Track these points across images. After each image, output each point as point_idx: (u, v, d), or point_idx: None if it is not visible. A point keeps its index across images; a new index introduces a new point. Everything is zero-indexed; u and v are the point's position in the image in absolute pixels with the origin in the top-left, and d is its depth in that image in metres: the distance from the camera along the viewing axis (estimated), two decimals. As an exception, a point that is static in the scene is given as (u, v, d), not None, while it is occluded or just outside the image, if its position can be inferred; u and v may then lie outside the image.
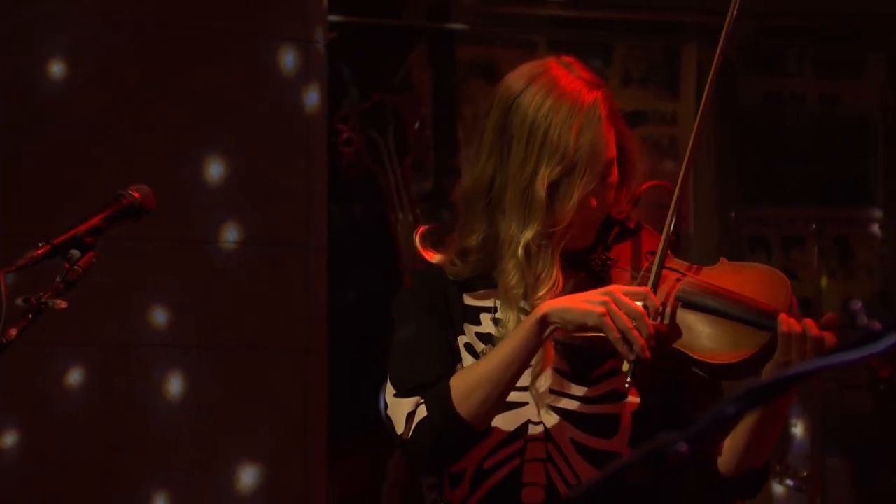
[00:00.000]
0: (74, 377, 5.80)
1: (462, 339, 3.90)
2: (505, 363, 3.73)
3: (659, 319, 3.67)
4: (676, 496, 3.93)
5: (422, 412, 3.81)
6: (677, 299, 3.69)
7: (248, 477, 5.84)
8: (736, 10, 3.95)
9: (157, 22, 5.89)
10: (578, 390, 3.82)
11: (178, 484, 5.84)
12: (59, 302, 4.34)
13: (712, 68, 3.93)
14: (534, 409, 3.82)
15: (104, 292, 5.65)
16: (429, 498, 6.70)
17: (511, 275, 3.82)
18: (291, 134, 5.99)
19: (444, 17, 7.00)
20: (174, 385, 5.87)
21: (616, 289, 3.66)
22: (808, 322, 3.55)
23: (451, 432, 3.77)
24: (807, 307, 7.40)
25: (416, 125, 6.80)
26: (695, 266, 3.77)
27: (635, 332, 3.56)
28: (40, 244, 4.32)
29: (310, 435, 5.87)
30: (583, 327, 3.63)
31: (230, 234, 5.91)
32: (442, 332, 3.90)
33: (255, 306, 5.90)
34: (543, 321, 3.67)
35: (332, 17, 6.19)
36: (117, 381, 5.83)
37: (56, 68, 5.81)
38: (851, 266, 7.79)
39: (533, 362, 3.75)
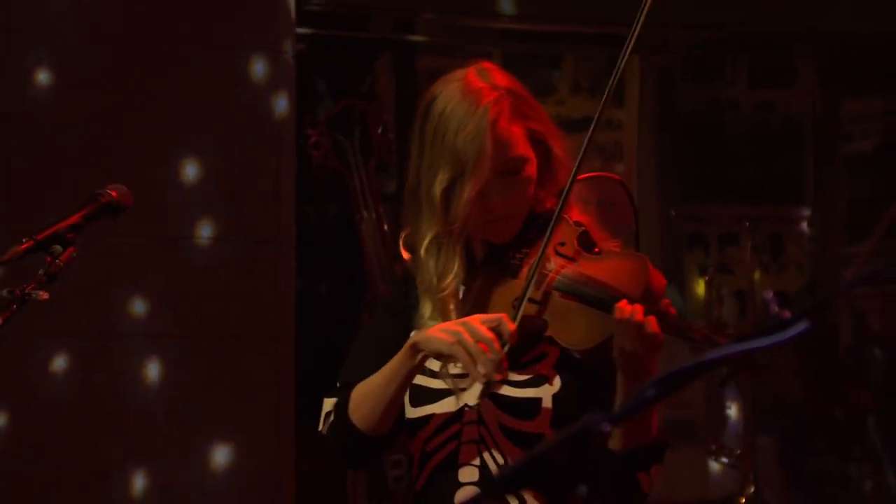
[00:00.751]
0: (59, 364, 5.81)
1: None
2: (386, 382, 3.80)
3: (537, 311, 3.69)
4: (586, 472, 3.93)
5: (331, 416, 3.89)
6: (555, 288, 3.71)
7: (221, 456, 5.85)
8: (637, 30, 3.96)
9: (136, 34, 5.91)
10: (514, 376, 3.81)
11: (155, 463, 5.85)
12: (41, 293, 4.35)
13: (614, 74, 3.92)
14: (470, 396, 3.80)
15: (86, 286, 5.65)
16: (391, 475, 6.71)
17: (422, 268, 3.85)
18: (262, 138, 6.00)
19: (408, 30, 7.00)
20: (152, 371, 5.88)
21: (474, 318, 3.68)
22: (637, 307, 3.55)
23: (348, 438, 3.85)
24: (741, 299, 7.44)
25: (380, 130, 6.81)
26: (585, 254, 3.76)
27: (483, 358, 3.59)
28: (24, 240, 4.33)
29: (280, 417, 5.88)
30: (441, 354, 3.67)
31: (204, 231, 5.93)
32: (392, 335, 3.94)
33: (227, 298, 5.91)
34: (414, 348, 3.73)
35: (302, 30, 6.19)
36: (99, 369, 5.85)
37: (42, 76, 5.82)
38: (783, 261, 7.81)
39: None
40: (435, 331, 3.71)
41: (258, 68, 5.99)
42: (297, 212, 6.06)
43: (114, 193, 4.47)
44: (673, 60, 7.83)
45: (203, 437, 5.77)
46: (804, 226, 7.94)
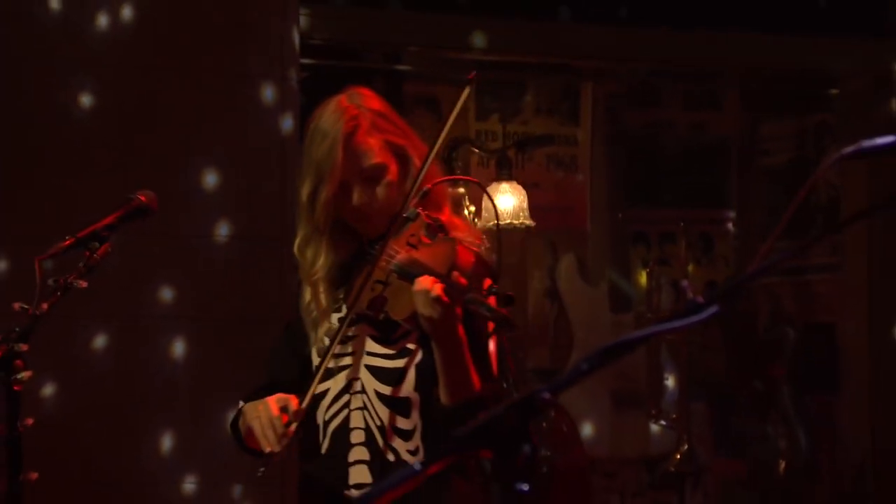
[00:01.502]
0: (99, 342, 5.78)
1: (316, 346, 3.98)
2: (243, 430, 3.91)
3: (381, 290, 3.73)
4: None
5: (234, 416, 4.01)
6: (393, 270, 3.73)
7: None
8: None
9: (165, 64, 5.88)
10: (384, 350, 3.86)
11: (179, 426, 5.83)
12: (81, 282, 4.34)
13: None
14: (356, 370, 3.87)
15: (122, 276, 5.63)
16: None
17: (299, 260, 3.91)
18: (270, 152, 5.97)
19: (395, 61, 6.96)
20: (177, 348, 5.85)
21: (272, 399, 3.78)
22: (430, 279, 3.61)
23: (239, 444, 3.97)
24: (677, 288, 7.42)
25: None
26: (425, 243, 3.79)
27: (269, 434, 3.71)
28: (67, 237, 4.33)
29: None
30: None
31: (221, 230, 5.90)
32: (293, 345, 4.02)
33: (240, 287, 5.89)
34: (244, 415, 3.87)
35: (305, 61, 6.16)
36: (132, 346, 5.82)
37: (84, 99, 5.78)
38: (712, 255, 7.80)
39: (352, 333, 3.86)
40: (250, 407, 3.83)
41: (268, 93, 5.96)
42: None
43: (143, 198, 4.47)
44: (620, 88, 7.81)
45: (219, 404, 5.72)
46: (730, 226, 7.93)
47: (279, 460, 3.80)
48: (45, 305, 4.24)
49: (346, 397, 3.87)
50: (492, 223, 7.03)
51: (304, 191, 3.88)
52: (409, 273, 3.72)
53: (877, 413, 6.99)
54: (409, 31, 6.65)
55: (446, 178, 4.01)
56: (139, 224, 4.52)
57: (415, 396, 3.83)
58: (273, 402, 3.74)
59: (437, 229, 3.83)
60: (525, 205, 7.12)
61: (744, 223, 7.90)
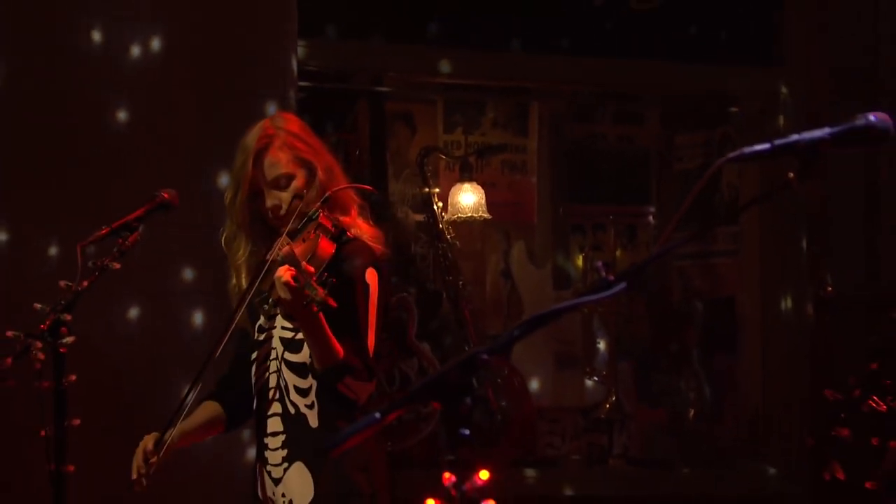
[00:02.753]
0: (132, 314, 5.74)
1: (257, 323, 4.02)
2: None
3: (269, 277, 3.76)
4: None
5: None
6: (279, 259, 3.72)
7: (245, 376, 5.82)
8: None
9: (187, 85, 5.84)
10: (291, 325, 3.91)
11: (201, 378, 5.80)
12: (114, 264, 4.32)
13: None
14: (274, 342, 3.94)
15: (152, 259, 5.60)
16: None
17: (226, 251, 3.95)
18: (274, 157, 5.94)
19: (378, 84, 6.94)
20: (197, 319, 5.81)
21: (147, 438, 4.12)
22: (286, 268, 3.63)
23: None
24: (607, 269, 7.39)
25: (357, 153, 6.75)
26: (313, 239, 3.84)
27: (134, 466, 4.05)
28: (104, 227, 4.31)
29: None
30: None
31: (234, 221, 5.88)
32: (241, 326, 4.05)
33: (250, 266, 5.87)
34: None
35: (302, 83, 6.13)
36: (159, 317, 5.78)
37: (121, 115, 5.75)
38: (636, 243, 7.78)
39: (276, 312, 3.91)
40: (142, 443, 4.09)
41: (271, 109, 5.91)
42: (298, 208, 6.01)
43: (166, 195, 4.45)
44: (562, 107, 7.79)
45: (230, 364, 5.72)
46: (650, 219, 7.91)
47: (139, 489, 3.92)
48: (85, 283, 4.24)
49: (266, 363, 3.94)
50: (456, 216, 7.04)
51: (228, 195, 3.96)
52: (289, 263, 3.72)
53: (767, 370, 7.00)
54: (389, 60, 6.65)
55: (347, 186, 4.02)
56: (165, 217, 4.51)
57: (310, 361, 3.83)
58: (148, 438, 4.04)
59: (333, 228, 3.86)
60: (483, 201, 7.11)
61: (662, 216, 7.89)
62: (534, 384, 7.46)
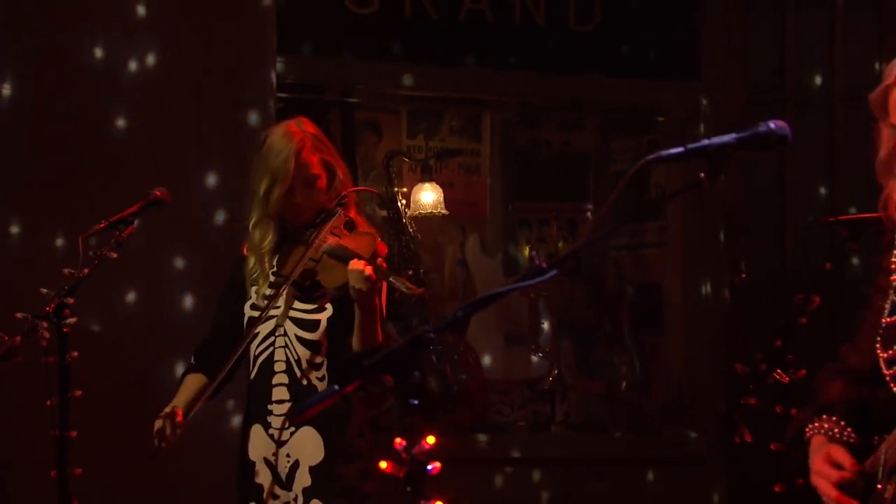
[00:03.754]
0: (130, 297, 5.73)
1: (248, 303, 4.01)
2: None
3: (314, 265, 3.77)
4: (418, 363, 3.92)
5: (187, 367, 4.20)
6: (324, 252, 3.82)
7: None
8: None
9: (179, 96, 5.83)
10: (304, 307, 3.94)
11: (188, 359, 5.72)
12: (112, 254, 4.31)
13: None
14: (281, 320, 3.94)
15: (147, 249, 5.58)
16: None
17: (251, 237, 3.93)
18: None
19: (349, 96, 6.92)
20: (187, 302, 5.80)
21: (179, 409, 4.00)
22: (362, 262, 3.74)
23: None
24: (540, 257, 7.41)
25: (330, 155, 6.71)
26: (346, 233, 3.95)
27: (160, 435, 3.97)
28: (102, 222, 4.29)
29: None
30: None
31: (219, 217, 5.85)
32: (234, 296, 4.09)
33: (234, 254, 5.77)
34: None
35: (281, 94, 6.11)
36: (153, 300, 5.77)
37: (120, 122, 5.74)
38: (576, 236, 7.79)
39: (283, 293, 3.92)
40: (160, 418, 3.99)
41: (253, 118, 5.90)
42: (276, 205, 5.99)
43: (158, 193, 4.44)
44: (510, 115, 7.77)
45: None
46: (588, 215, 7.91)
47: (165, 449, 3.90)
48: (86, 270, 4.24)
49: (271, 338, 3.95)
50: (418, 212, 7.03)
51: (262, 187, 3.93)
52: (339, 255, 3.83)
53: (689, 347, 7.01)
54: (358, 74, 6.62)
55: (360, 188, 4.18)
56: (160, 212, 4.50)
57: (324, 340, 3.92)
58: (174, 410, 3.95)
59: (351, 224, 3.94)
60: (442, 199, 7.11)
61: (597, 212, 7.89)
62: (486, 359, 7.45)
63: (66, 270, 4.23)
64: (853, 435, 2.78)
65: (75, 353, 4.21)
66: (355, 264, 3.74)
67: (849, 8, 6.91)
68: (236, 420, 5.78)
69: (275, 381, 3.92)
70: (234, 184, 5.85)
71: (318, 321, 3.91)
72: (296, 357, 3.89)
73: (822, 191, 6.92)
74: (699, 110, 6.84)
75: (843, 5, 6.90)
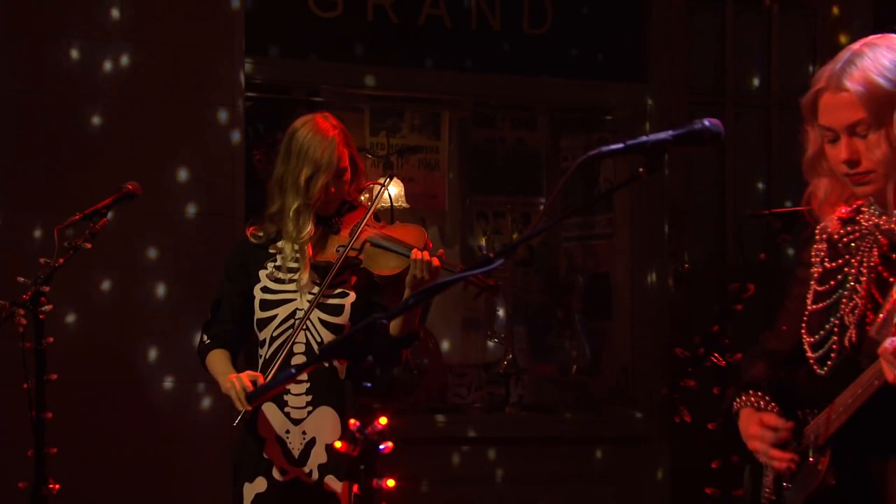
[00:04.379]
0: (105, 285, 5.69)
1: (258, 286, 3.95)
2: (216, 376, 3.92)
3: (356, 254, 3.77)
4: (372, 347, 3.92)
5: (201, 349, 3.93)
6: (368, 241, 3.78)
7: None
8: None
9: (151, 94, 5.80)
10: (330, 291, 3.89)
11: (160, 343, 5.77)
12: (86, 244, 4.27)
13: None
14: (300, 303, 3.89)
15: (121, 239, 5.57)
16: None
17: (289, 225, 3.87)
18: (224, 156, 5.91)
19: (314, 95, 6.85)
20: (160, 290, 5.77)
21: (244, 375, 3.75)
22: (426, 253, 3.73)
23: (204, 367, 4.00)
24: (488, 247, 7.41)
25: (296, 152, 6.67)
26: (384, 223, 3.89)
27: (237, 402, 3.74)
28: (77, 213, 4.25)
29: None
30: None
31: (191, 209, 5.82)
32: (240, 285, 3.97)
33: (202, 247, 5.83)
34: (222, 384, 3.83)
35: (249, 94, 6.08)
36: (128, 288, 5.74)
37: (95, 119, 5.70)
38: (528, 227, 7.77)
39: (302, 277, 3.88)
40: (226, 379, 3.78)
41: (223, 116, 5.87)
42: (245, 198, 5.95)
43: (130, 186, 4.40)
44: (467, 113, 7.75)
45: (188, 327, 5.67)
46: (541, 207, 7.91)
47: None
48: (61, 260, 4.21)
49: (291, 321, 3.88)
50: (381, 205, 7.01)
51: (303, 176, 3.86)
52: (387, 245, 3.85)
53: (635, 332, 7.02)
54: (322, 75, 6.56)
55: (371, 182, 4.15)
56: (134, 204, 4.46)
57: (347, 324, 3.86)
58: (245, 377, 3.72)
59: (376, 216, 4.00)
60: (403, 193, 7.09)
61: (552, 206, 7.88)
62: (444, 344, 7.45)
63: (42, 260, 4.21)
64: (776, 408, 2.81)
65: (51, 339, 4.18)
66: (418, 254, 3.74)
67: (784, 14, 6.95)
68: (207, 402, 5.76)
69: (293, 362, 3.86)
70: (204, 178, 5.84)
71: (343, 305, 3.87)
72: (318, 340, 3.84)
73: (760, 185, 6.96)
74: (645, 110, 6.85)
75: (778, 12, 6.94)
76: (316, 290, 3.88)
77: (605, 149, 2.62)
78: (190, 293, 5.74)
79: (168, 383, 5.72)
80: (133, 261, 5.70)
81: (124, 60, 5.74)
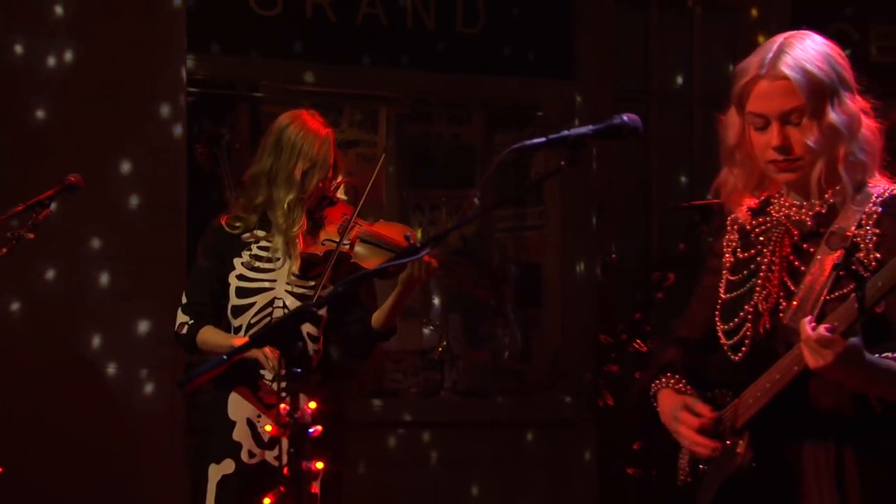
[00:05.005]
0: (49, 274, 5.63)
1: (233, 273, 3.93)
2: (220, 347, 3.85)
3: (347, 248, 3.75)
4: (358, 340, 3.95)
5: (184, 330, 3.88)
6: (357, 237, 3.76)
7: (143, 325, 5.73)
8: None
9: (96, 89, 5.75)
10: (306, 283, 3.90)
11: (104, 331, 5.72)
12: (29, 235, 4.24)
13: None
14: (278, 293, 3.86)
15: (65, 230, 5.51)
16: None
17: (282, 218, 3.84)
18: (167, 149, 5.87)
19: (255, 90, 6.83)
20: (104, 279, 5.71)
21: (267, 350, 3.71)
22: (426, 256, 3.66)
23: (192, 349, 3.97)
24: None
25: (237, 146, 6.62)
26: (369, 221, 3.87)
27: (269, 365, 3.74)
28: (19, 205, 4.22)
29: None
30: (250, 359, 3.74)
31: (134, 200, 5.77)
32: (216, 270, 3.94)
33: (146, 236, 5.79)
34: (240, 350, 3.79)
35: (191, 89, 6.05)
36: (72, 276, 5.68)
37: (39, 113, 5.64)
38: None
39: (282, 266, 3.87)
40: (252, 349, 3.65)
41: (165, 110, 5.83)
42: (187, 190, 5.91)
43: (73, 178, 4.37)
44: (404, 110, 7.73)
45: (130, 316, 5.68)
46: (475, 200, 7.89)
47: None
48: (4, 250, 4.17)
49: (268, 309, 3.87)
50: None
51: (298, 170, 3.85)
52: (375, 242, 3.82)
53: (565, 320, 7.06)
54: (264, 71, 6.55)
55: (348, 179, 4.30)
56: (80, 196, 4.44)
57: (325, 315, 3.87)
58: (268, 349, 3.69)
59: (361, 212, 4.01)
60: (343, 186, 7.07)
61: (483, 198, 7.87)
62: (382, 332, 7.43)
63: (-18, 250, 4.16)
64: (692, 390, 2.80)
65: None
66: (425, 258, 3.67)
67: (706, 16, 7.01)
68: (149, 387, 5.72)
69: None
70: (148, 170, 5.80)
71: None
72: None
73: (683, 179, 7.01)
74: (574, 107, 6.89)
75: (700, 14, 7.00)
76: (298, 280, 3.87)
77: (527, 142, 2.63)
78: (133, 282, 5.70)
79: (112, 369, 5.68)
80: (77, 250, 5.65)
81: (68, 56, 5.68)
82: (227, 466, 3.88)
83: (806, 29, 2.74)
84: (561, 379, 6.97)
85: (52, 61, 5.65)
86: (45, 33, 5.63)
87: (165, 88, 5.81)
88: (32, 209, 4.27)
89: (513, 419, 6.76)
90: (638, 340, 4.28)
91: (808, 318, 2.44)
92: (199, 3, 6.11)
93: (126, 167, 5.75)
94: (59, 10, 5.65)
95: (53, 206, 4.30)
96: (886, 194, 2.64)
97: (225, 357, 2.37)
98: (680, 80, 7.01)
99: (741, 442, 2.64)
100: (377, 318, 3.83)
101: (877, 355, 2.47)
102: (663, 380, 2.84)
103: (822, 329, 2.39)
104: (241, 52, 6.35)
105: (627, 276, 6.73)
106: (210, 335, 3.88)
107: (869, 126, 2.68)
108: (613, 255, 6.85)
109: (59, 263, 5.62)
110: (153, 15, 5.81)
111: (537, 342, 7.41)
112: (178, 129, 5.85)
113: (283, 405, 2.32)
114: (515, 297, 7.61)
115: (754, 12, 6.94)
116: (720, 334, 2.74)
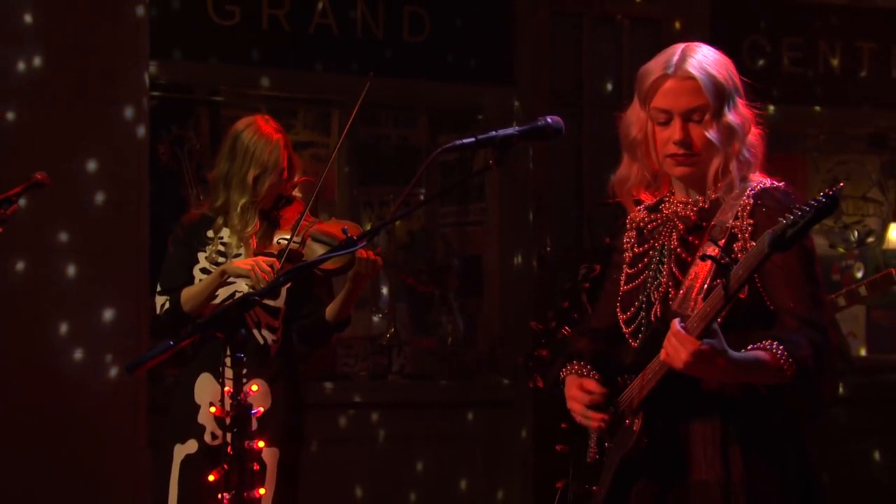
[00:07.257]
0: (18, 266, 5.56)
1: (197, 266, 3.91)
2: (205, 290, 3.87)
3: (298, 246, 3.74)
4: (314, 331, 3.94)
5: (166, 305, 3.83)
6: (309, 236, 3.76)
7: (108, 314, 5.67)
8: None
9: (63, 93, 5.68)
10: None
11: (71, 319, 5.65)
12: (-2, 230, 4.16)
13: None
14: (238, 286, 3.87)
15: (33, 225, 5.45)
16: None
17: (236, 219, 3.82)
18: (130, 149, 5.80)
19: (215, 94, 6.79)
20: (70, 271, 5.64)
21: (259, 259, 3.73)
22: (371, 253, 3.77)
23: (179, 317, 3.80)
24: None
25: (198, 147, 6.58)
26: (320, 219, 3.89)
27: (263, 275, 3.63)
28: (-13, 202, 4.16)
29: (140, 287, 5.64)
30: (240, 275, 3.70)
31: (98, 197, 5.70)
32: (187, 258, 3.92)
33: (111, 229, 5.72)
34: (224, 273, 3.76)
35: (154, 93, 6.00)
36: (39, 268, 5.61)
37: (9, 115, 5.57)
38: (410, 216, 7.75)
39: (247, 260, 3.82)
40: (238, 263, 3.76)
41: (129, 112, 5.76)
42: (150, 187, 5.86)
43: (39, 176, 4.32)
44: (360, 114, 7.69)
45: (95, 304, 5.61)
46: (421, 197, 7.88)
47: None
48: (-29, 244, 4.08)
49: (229, 301, 3.83)
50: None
51: (250, 175, 3.82)
52: (325, 240, 3.79)
53: (504, 308, 7.08)
54: (222, 77, 6.53)
55: (305, 178, 4.21)
56: (46, 193, 4.38)
57: (283, 307, 3.88)
58: (261, 260, 3.69)
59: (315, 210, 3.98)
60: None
61: (427, 195, 7.87)
62: (335, 319, 7.40)
63: (-45, 244, 4.09)
64: (597, 375, 2.86)
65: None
66: (363, 252, 3.70)
67: (633, 28, 7.05)
68: (113, 371, 5.66)
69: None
70: (112, 169, 5.74)
71: (280, 290, 3.84)
72: (255, 319, 3.80)
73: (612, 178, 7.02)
74: (512, 111, 6.91)
75: (628, 25, 7.04)
76: None
77: (458, 142, 2.63)
78: (97, 273, 5.63)
79: (77, 355, 5.61)
80: (45, 244, 5.58)
81: (36, 61, 5.61)
82: (191, 446, 3.86)
83: (724, 40, 2.81)
84: (500, 363, 6.98)
85: (21, 66, 5.58)
86: (14, 40, 5.55)
87: (129, 92, 5.75)
88: (1, 205, 4.20)
89: (455, 400, 6.77)
90: (566, 327, 4.28)
91: (678, 318, 2.48)
92: (162, 12, 6.08)
93: (91, 166, 5.68)
94: (27, 17, 5.58)
95: (22, 202, 4.23)
96: (759, 187, 2.70)
97: (171, 343, 2.34)
98: (610, 86, 7.05)
99: (637, 420, 2.68)
100: (331, 310, 3.84)
101: (744, 350, 2.49)
102: (569, 367, 2.89)
103: (676, 324, 2.43)
104: (201, 58, 6.32)
105: (560, 267, 6.75)
106: (190, 289, 3.91)
107: (754, 132, 2.76)
108: (548, 249, 6.87)
109: (27, 256, 5.55)
110: (118, 23, 5.75)
111: (478, 329, 7.42)
112: (141, 131, 5.79)
113: (227, 388, 2.29)
114: (458, 287, 7.61)
115: (677, 25, 6.98)
116: (621, 323, 2.80)
